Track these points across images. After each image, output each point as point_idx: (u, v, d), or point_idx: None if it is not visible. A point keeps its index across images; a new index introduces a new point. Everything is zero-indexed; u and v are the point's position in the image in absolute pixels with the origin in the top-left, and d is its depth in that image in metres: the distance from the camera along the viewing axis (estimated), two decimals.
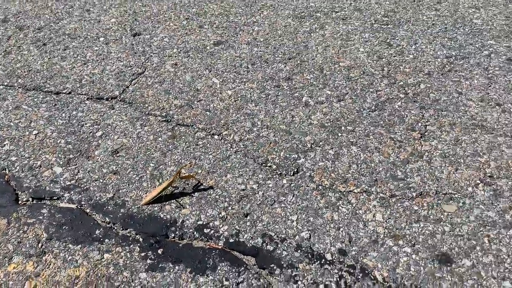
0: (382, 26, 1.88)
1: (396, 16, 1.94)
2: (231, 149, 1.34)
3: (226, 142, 1.36)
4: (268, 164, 1.29)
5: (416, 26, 1.87)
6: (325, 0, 2.07)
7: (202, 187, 1.23)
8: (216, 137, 1.38)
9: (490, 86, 1.55)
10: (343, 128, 1.41)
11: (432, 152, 1.32)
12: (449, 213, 1.15)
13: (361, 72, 1.63)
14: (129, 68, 1.67)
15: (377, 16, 1.95)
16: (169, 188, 1.20)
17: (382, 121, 1.42)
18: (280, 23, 1.92)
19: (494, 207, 1.16)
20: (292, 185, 1.23)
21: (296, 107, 1.49)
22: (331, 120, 1.43)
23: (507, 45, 1.75)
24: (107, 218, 1.15)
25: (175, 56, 1.73)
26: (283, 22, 1.92)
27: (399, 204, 1.17)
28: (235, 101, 1.52)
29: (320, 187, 1.22)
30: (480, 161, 1.28)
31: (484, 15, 1.94)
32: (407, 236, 1.10)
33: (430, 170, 1.26)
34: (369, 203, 1.18)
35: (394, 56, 1.71)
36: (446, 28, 1.86)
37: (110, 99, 1.53)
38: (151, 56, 1.74)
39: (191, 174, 1.25)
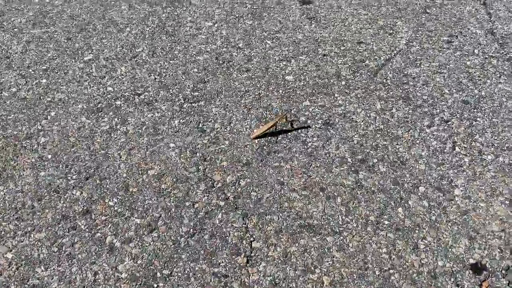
0: (193, 104, 1.67)
1: (207, 88, 1.75)
2: None
3: None
4: None
5: (229, 98, 1.70)
6: (125, 80, 1.78)
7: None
8: None
9: (311, 166, 1.44)
10: (158, 274, 1.16)
11: (261, 282, 1.14)
12: None
13: (174, 180, 1.40)
14: None
15: (186, 91, 1.73)
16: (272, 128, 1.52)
17: (203, 250, 1.21)
18: (73, 126, 1.59)
19: None
20: None
21: (99, 256, 1.20)
22: (143, 265, 1.18)
23: (321, 104, 1.67)
24: None
25: None
26: (76, 124, 1.60)
27: None
28: (17, 268, 1.18)
29: None
30: (313, 279, 1.15)
31: (295, 68, 1.84)
32: None
33: None
34: None
35: (209, 147, 1.51)
36: (260, 95, 1.71)
37: None
38: None
39: (290, 119, 1.58)
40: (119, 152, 1.50)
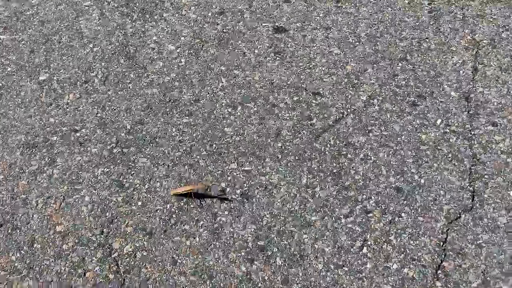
0: (124, 150, 1.68)
1: (143, 131, 1.74)
2: None
3: None
4: None
5: (160, 148, 1.69)
6: (68, 111, 1.81)
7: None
8: None
9: (210, 246, 1.44)
10: None
11: None
12: None
13: (76, 241, 1.46)
14: None
15: (122, 133, 1.74)
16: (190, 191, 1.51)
17: None
18: (6, 162, 1.66)
19: None
20: None
21: None
22: None
23: (248, 169, 1.63)
24: None
25: None
26: (10, 159, 1.67)
27: None
28: None
29: None
30: None
31: (239, 118, 1.78)
32: None
33: None
34: None
35: (120, 206, 1.54)
36: (191, 148, 1.69)
37: None
38: None
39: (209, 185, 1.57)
40: (37, 199, 1.56)
